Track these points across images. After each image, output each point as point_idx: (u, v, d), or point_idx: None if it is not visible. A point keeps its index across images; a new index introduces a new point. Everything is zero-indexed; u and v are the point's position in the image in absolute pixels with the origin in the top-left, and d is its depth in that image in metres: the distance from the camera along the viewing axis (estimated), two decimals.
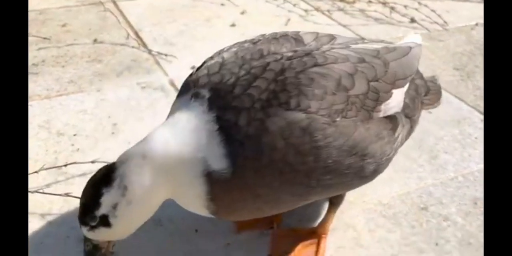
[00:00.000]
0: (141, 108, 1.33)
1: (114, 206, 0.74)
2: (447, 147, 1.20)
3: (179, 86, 1.40)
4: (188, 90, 0.80)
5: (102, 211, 0.74)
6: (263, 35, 0.89)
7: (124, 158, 0.75)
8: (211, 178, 0.74)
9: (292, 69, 0.76)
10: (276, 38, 0.87)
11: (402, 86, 0.86)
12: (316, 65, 0.77)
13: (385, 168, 0.86)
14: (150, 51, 1.59)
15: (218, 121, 0.74)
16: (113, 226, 0.75)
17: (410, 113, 0.90)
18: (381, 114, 0.82)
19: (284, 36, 0.88)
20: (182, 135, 0.74)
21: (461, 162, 1.15)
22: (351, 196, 1.05)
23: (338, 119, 0.75)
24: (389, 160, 0.85)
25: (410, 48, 0.91)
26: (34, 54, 1.55)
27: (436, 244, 0.95)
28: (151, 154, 0.74)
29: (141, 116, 1.29)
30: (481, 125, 1.26)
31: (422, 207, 1.04)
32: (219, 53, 0.86)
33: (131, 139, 1.21)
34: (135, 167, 0.74)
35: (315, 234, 0.96)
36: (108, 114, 1.30)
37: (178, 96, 0.83)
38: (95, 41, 1.64)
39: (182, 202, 0.80)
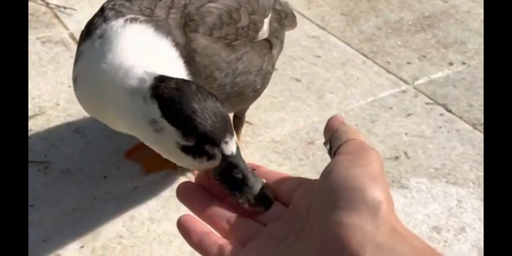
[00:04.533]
0: (43, 63, 1.35)
1: None
2: (332, 88, 1.33)
3: None
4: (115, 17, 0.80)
5: None
6: None
7: None
8: None
9: (192, 5, 0.86)
10: None
11: (268, 14, 1.01)
12: (210, 1, 0.88)
13: (268, 83, 1.00)
14: (48, 4, 1.59)
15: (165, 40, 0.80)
16: None
17: (279, 35, 1.06)
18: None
19: None
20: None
21: (344, 100, 1.29)
22: (247, 136, 1.17)
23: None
24: (270, 74, 1.00)
25: None
26: None
27: (318, 173, 1.09)
28: None
29: (44, 71, 1.32)
30: (363, 66, 1.40)
31: (309, 142, 1.17)
32: None
33: (35, 95, 1.25)
34: None
35: None
36: None
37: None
38: None
39: None
